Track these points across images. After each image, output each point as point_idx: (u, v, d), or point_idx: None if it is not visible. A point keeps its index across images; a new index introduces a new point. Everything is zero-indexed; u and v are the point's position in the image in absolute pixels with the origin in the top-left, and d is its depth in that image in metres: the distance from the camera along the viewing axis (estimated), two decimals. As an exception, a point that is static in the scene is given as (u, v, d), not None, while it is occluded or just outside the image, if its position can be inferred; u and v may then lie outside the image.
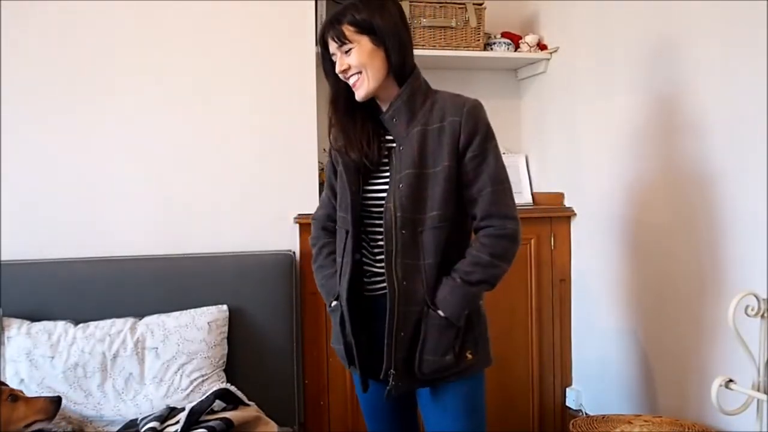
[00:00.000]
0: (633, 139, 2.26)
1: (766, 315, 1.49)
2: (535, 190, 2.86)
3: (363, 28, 1.46)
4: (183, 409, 1.85)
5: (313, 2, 2.43)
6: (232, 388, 2.02)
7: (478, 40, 2.67)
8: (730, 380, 1.49)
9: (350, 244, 1.51)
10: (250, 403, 2.01)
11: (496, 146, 1.51)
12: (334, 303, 1.58)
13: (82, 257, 2.22)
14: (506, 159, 2.88)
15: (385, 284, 1.48)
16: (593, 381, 2.57)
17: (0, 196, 2.21)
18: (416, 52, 1.69)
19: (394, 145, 1.50)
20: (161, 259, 2.24)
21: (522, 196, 2.84)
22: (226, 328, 2.16)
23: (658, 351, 2.18)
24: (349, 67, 1.47)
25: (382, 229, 1.47)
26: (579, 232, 2.62)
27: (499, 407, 2.60)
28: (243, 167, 2.38)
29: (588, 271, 2.57)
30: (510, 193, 1.50)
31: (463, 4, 2.63)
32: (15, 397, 1.72)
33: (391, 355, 1.46)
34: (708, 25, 1.91)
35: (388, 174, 1.50)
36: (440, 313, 1.44)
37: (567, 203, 2.67)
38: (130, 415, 1.98)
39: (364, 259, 1.54)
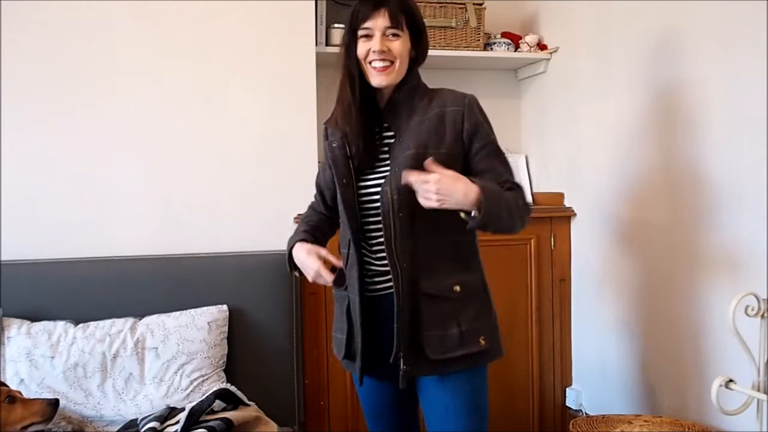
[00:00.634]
0: (633, 139, 2.26)
1: (766, 315, 1.49)
2: (535, 190, 2.86)
3: (412, 23, 1.48)
4: (183, 409, 1.85)
5: (313, 2, 2.43)
6: (232, 388, 2.02)
7: (478, 40, 2.67)
8: (730, 380, 1.49)
9: (353, 238, 1.51)
10: (250, 403, 2.01)
11: (495, 136, 1.55)
12: (339, 291, 1.59)
13: (82, 257, 2.22)
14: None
15: (387, 284, 1.48)
16: (593, 381, 2.57)
17: (0, 196, 2.21)
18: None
19: (393, 140, 1.51)
20: (161, 259, 2.24)
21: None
22: (226, 328, 2.16)
23: (658, 351, 2.18)
24: (388, 51, 1.45)
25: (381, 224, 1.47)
26: (579, 232, 2.62)
27: (499, 407, 2.59)
28: (243, 167, 2.38)
29: (588, 271, 2.57)
30: (514, 176, 1.54)
31: (463, 4, 2.63)
32: (12, 398, 1.71)
33: (398, 339, 1.45)
34: (708, 25, 1.91)
35: (387, 168, 1.50)
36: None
37: (567, 203, 2.67)
38: (130, 415, 1.98)
39: (365, 258, 1.54)
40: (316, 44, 2.44)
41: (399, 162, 1.45)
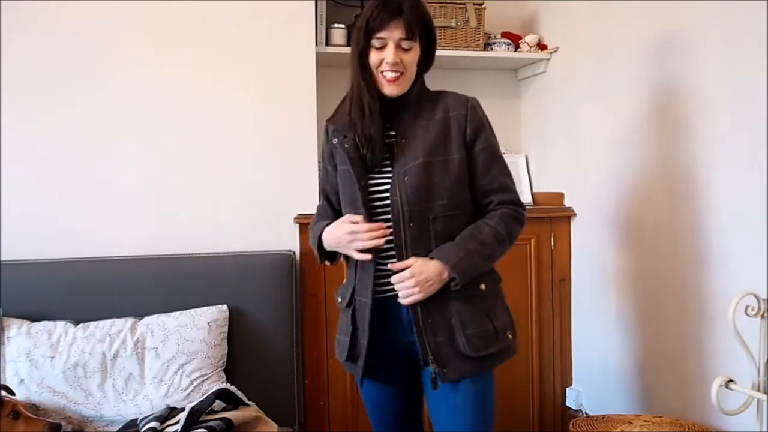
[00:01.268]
0: (633, 139, 2.26)
1: (766, 315, 1.48)
2: (535, 190, 2.86)
3: (426, 33, 1.50)
4: (183, 409, 1.85)
5: (313, 2, 2.43)
6: (232, 388, 2.02)
7: (478, 40, 2.67)
8: (730, 380, 1.49)
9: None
10: (250, 403, 2.02)
11: (496, 138, 1.59)
12: (343, 302, 1.59)
13: (82, 257, 2.22)
14: (506, 159, 2.89)
15: (390, 285, 1.49)
16: (593, 381, 2.57)
17: (0, 196, 2.21)
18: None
19: (394, 140, 1.52)
20: (161, 259, 2.24)
21: (522, 196, 2.81)
22: (226, 328, 2.16)
23: (658, 351, 2.18)
24: (401, 63, 1.47)
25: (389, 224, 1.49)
26: (579, 232, 2.62)
27: (499, 407, 2.58)
28: (243, 167, 2.38)
29: (588, 271, 2.57)
30: (512, 179, 1.59)
31: (463, 4, 2.63)
32: (17, 413, 1.69)
33: (425, 344, 1.47)
34: (708, 25, 1.91)
35: (389, 169, 1.51)
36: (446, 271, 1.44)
37: (567, 203, 2.67)
38: (130, 415, 1.98)
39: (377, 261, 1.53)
40: (316, 44, 2.44)
41: (405, 170, 1.47)
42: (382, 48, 1.47)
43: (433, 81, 1.63)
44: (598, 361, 2.52)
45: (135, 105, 2.30)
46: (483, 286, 1.52)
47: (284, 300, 2.27)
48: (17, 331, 2.03)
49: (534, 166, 2.89)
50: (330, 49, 2.50)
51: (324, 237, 1.58)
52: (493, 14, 2.79)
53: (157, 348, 2.05)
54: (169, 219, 2.33)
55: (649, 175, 2.19)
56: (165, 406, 1.96)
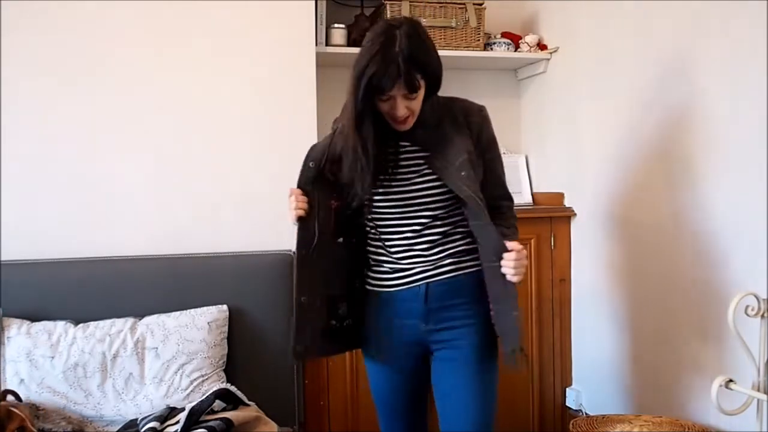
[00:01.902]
0: (633, 139, 2.26)
1: (766, 315, 1.49)
2: (535, 190, 2.86)
3: (426, 75, 1.48)
4: (183, 409, 1.85)
5: (313, 2, 2.43)
6: (232, 388, 2.02)
7: (478, 40, 2.67)
8: (730, 380, 1.49)
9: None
10: (250, 403, 2.01)
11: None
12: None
13: (82, 257, 2.22)
14: (506, 159, 2.90)
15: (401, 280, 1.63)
16: (593, 381, 2.57)
17: (0, 196, 2.21)
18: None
19: (417, 152, 1.60)
20: (161, 259, 2.24)
21: (522, 196, 2.84)
22: (226, 328, 2.16)
23: (658, 351, 2.18)
24: (408, 109, 1.50)
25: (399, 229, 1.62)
26: (579, 232, 2.62)
27: (499, 407, 2.59)
28: (243, 167, 2.37)
29: (588, 271, 2.57)
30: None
31: (463, 4, 2.63)
32: (23, 429, 1.68)
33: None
34: (708, 25, 1.91)
35: (409, 178, 1.59)
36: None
37: (567, 203, 2.67)
38: (130, 415, 1.98)
39: (383, 257, 1.66)
40: (316, 44, 2.44)
41: (459, 166, 1.54)
42: (388, 100, 1.48)
43: (434, 81, 1.63)
44: (598, 361, 2.52)
45: (135, 105, 2.30)
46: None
47: (284, 300, 2.26)
48: (17, 331, 2.03)
49: (534, 166, 2.89)
50: (330, 49, 2.50)
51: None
52: (493, 14, 2.79)
53: (157, 348, 2.05)
54: (169, 219, 2.32)
55: (649, 175, 2.19)
56: (165, 406, 1.96)
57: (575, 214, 2.62)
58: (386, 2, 2.54)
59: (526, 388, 2.63)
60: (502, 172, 1.71)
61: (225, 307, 2.17)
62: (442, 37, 2.62)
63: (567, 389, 2.69)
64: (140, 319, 2.11)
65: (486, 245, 1.57)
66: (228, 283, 2.22)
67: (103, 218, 2.28)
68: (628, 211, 2.31)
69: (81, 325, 2.07)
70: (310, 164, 1.64)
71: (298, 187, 1.63)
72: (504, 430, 2.57)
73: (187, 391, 2.02)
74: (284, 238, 2.38)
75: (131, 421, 1.94)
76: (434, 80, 1.52)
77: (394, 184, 1.59)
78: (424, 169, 1.59)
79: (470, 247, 1.63)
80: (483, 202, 1.54)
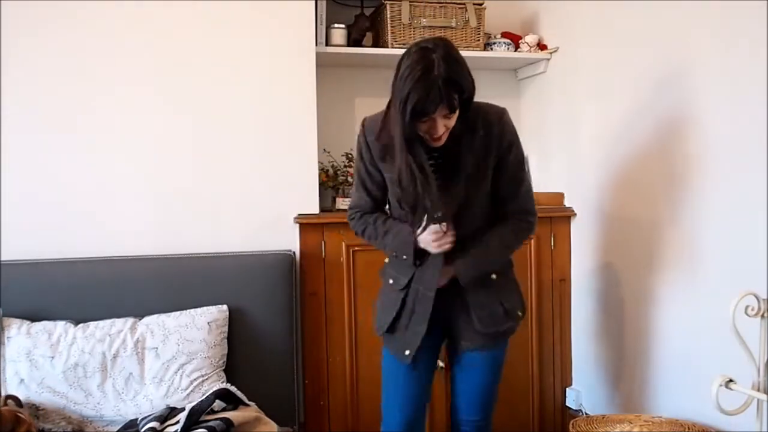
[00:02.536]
0: (633, 139, 2.26)
1: (766, 315, 1.48)
2: (535, 190, 2.84)
3: (459, 94, 1.53)
4: (183, 409, 1.85)
5: (313, 2, 2.43)
6: (232, 388, 2.02)
7: (478, 40, 2.67)
8: (730, 380, 1.49)
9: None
10: (250, 403, 2.01)
11: (525, 157, 1.80)
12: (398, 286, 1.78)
13: (82, 257, 2.22)
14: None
15: None
16: (593, 381, 2.57)
17: (0, 196, 2.21)
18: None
19: (442, 160, 1.65)
20: (161, 259, 2.24)
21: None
22: (226, 328, 2.16)
23: (658, 351, 2.18)
24: (446, 128, 1.56)
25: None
26: (579, 232, 2.62)
27: (499, 407, 2.58)
28: (243, 167, 2.38)
29: (588, 271, 2.57)
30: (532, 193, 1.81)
31: (463, 4, 2.63)
32: None
33: (448, 321, 1.82)
34: (708, 24, 1.91)
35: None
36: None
37: (567, 203, 2.67)
38: (130, 415, 1.98)
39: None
40: (316, 44, 2.44)
41: (460, 183, 1.65)
42: (427, 121, 1.54)
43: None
44: (599, 361, 2.52)
45: (135, 105, 2.30)
46: (494, 276, 1.76)
47: (284, 300, 2.27)
48: (17, 331, 2.03)
49: (534, 166, 2.88)
50: (330, 49, 2.50)
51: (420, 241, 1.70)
52: (493, 14, 2.79)
53: (157, 348, 2.05)
54: (169, 219, 2.33)
55: (648, 175, 2.19)
56: (165, 406, 1.96)
57: (575, 214, 2.62)
58: (386, 2, 2.54)
59: (526, 388, 2.63)
60: (521, 177, 1.74)
61: (225, 307, 2.17)
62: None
63: (567, 389, 2.69)
64: (140, 319, 2.11)
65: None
66: (228, 283, 2.22)
67: (103, 218, 2.28)
68: (628, 211, 2.31)
69: (81, 325, 2.07)
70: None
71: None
72: (504, 430, 2.58)
73: (187, 391, 2.02)
74: (284, 238, 2.39)
75: (131, 421, 1.94)
76: (469, 98, 1.58)
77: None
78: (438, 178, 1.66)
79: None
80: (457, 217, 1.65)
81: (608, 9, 2.37)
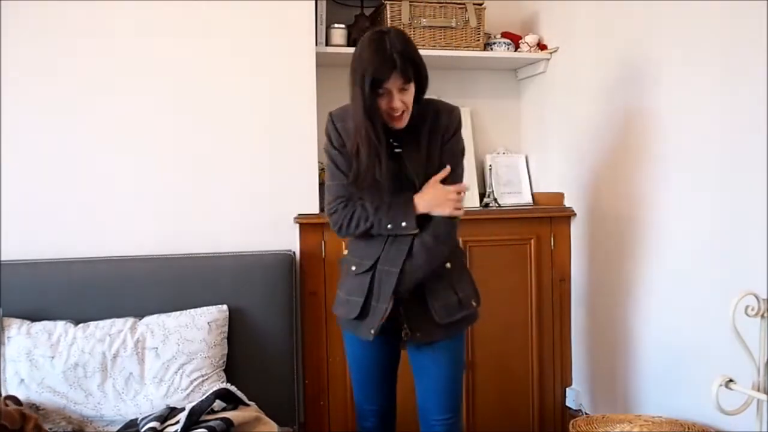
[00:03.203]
0: (633, 139, 2.26)
1: (766, 315, 1.49)
2: (535, 190, 2.86)
3: (416, 69, 1.64)
4: (183, 409, 1.85)
5: (313, 2, 2.43)
6: (232, 388, 2.02)
7: (478, 40, 2.67)
8: (730, 380, 1.49)
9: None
10: (250, 403, 2.01)
11: (463, 149, 1.81)
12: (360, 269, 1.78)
13: (82, 257, 2.22)
14: (506, 159, 2.89)
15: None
16: (593, 381, 2.57)
17: (0, 196, 2.21)
18: (417, 52, 1.75)
19: (401, 150, 1.73)
20: (161, 259, 2.24)
21: (522, 196, 2.84)
22: (226, 328, 2.16)
23: (658, 351, 2.18)
24: (403, 103, 1.64)
25: None
26: (579, 232, 2.62)
27: (499, 407, 2.60)
28: (243, 167, 2.38)
29: (588, 271, 2.57)
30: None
31: (463, 4, 2.63)
32: (39, 428, 1.68)
33: (404, 312, 1.78)
34: (708, 24, 1.91)
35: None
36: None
37: (567, 203, 2.67)
38: (130, 415, 1.98)
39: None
40: (316, 44, 2.44)
41: (419, 176, 1.72)
42: (383, 94, 1.64)
43: (434, 81, 1.65)
44: (599, 361, 2.52)
45: (135, 105, 2.30)
46: (448, 265, 1.78)
47: (284, 300, 2.27)
48: (17, 331, 2.03)
49: (534, 166, 2.89)
50: (330, 49, 2.50)
51: (417, 201, 1.72)
52: (493, 14, 2.79)
53: (157, 348, 2.05)
54: (169, 219, 2.33)
55: (648, 175, 2.19)
56: (165, 406, 1.96)
57: (575, 214, 2.62)
58: (386, 2, 2.54)
59: (526, 388, 2.63)
60: (453, 162, 1.75)
61: (225, 307, 2.17)
62: (442, 37, 2.62)
63: (567, 389, 2.69)
64: (140, 319, 2.11)
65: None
66: (228, 283, 2.22)
67: (103, 218, 2.28)
68: (627, 211, 2.31)
69: (81, 325, 2.07)
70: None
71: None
72: (504, 430, 2.58)
73: (187, 391, 2.02)
74: (284, 238, 2.39)
75: (131, 421, 1.94)
76: (422, 79, 1.67)
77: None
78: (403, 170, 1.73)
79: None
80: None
81: (608, 9, 2.37)
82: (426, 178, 1.73)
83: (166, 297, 2.17)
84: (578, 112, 2.57)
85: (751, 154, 1.77)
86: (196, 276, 2.22)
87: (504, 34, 2.76)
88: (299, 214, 2.39)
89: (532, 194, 2.85)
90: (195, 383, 2.04)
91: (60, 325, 2.05)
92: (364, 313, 1.76)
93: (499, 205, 2.75)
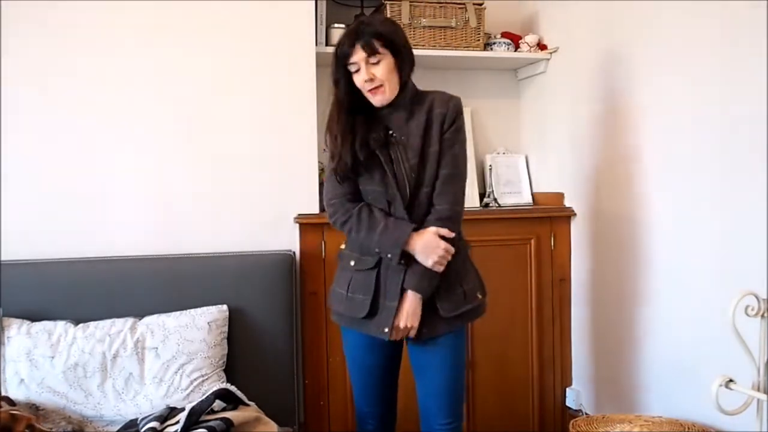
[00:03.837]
0: (633, 139, 2.26)
1: (766, 315, 1.48)
2: (535, 190, 2.86)
3: (387, 43, 1.68)
4: (183, 409, 1.85)
5: (313, 2, 2.43)
6: (232, 388, 2.02)
7: (478, 40, 2.67)
8: (730, 380, 1.49)
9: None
10: (250, 403, 2.01)
11: (464, 140, 1.78)
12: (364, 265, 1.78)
13: (82, 257, 2.22)
14: (506, 159, 2.88)
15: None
16: (593, 381, 2.57)
17: (0, 196, 2.21)
18: (416, 52, 1.81)
19: (394, 139, 1.74)
20: (161, 259, 2.24)
21: (522, 196, 2.84)
22: (226, 328, 2.16)
23: (658, 351, 2.18)
24: (374, 78, 1.68)
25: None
26: (579, 232, 2.62)
27: (499, 407, 2.60)
28: (243, 167, 2.38)
29: (588, 271, 2.57)
30: (460, 181, 1.77)
31: (463, 4, 2.63)
32: (32, 427, 1.68)
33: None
34: (708, 24, 1.91)
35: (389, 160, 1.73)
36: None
37: (567, 203, 2.67)
38: (130, 415, 1.98)
39: None
40: (316, 44, 2.44)
41: (412, 166, 1.72)
42: (356, 71, 1.70)
43: (434, 81, 1.66)
44: (599, 361, 2.52)
45: (135, 105, 2.30)
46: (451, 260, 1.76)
47: (284, 300, 2.27)
48: (17, 331, 2.03)
49: (534, 166, 2.89)
50: (330, 49, 2.48)
51: (415, 241, 1.72)
52: (493, 14, 2.79)
53: (157, 348, 2.05)
54: (169, 219, 2.33)
55: (648, 175, 2.19)
56: (165, 406, 1.96)
57: (575, 214, 2.62)
58: (386, 2, 2.54)
59: (526, 388, 2.63)
60: (452, 162, 1.74)
61: (225, 307, 2.17)
62: (442, 37, 2.62)
63: (567, 389, 2.69)
64: (140, 319, 2.11)
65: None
66: (228, 283, 2.22)
67: (103, 218, 2.28)
68: (627, 211, 2.31)
69: (81, 325, 2.07)
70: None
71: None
72: (504, 430, 2.58)
73: (187, 391, 2.02)
74: (284, 238, 2.39)
75: (131, 421, 1.94)
76: (399, 54, 1.69)
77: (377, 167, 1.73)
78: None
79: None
80: (408, 199, 1.72)
81: (608, 9, 2.37)
82: (421, 167, 1.71)
83: (166, 297, 2.17)
84: (578, 112, 2.57)
85: (751, 154, 1.77)
86: (196, 276, 2.22)
87: (504, 34, 2.76)
88: (299, 214, 2.39)
89: (532, 194, 2.85)
90: (195, 383, 2.04)
91: (60, 325, 2.05)
92: (373, 312, 1.76)
93: (499, 205, 2.75)
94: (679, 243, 2.06)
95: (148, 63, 2.30)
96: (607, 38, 2.38)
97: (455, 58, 2.66)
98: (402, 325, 1.72)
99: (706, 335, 1.95)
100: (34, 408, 1.94)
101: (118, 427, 1.92)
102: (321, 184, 2.50)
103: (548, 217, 2.64)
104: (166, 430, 1.81)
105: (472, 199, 2.71)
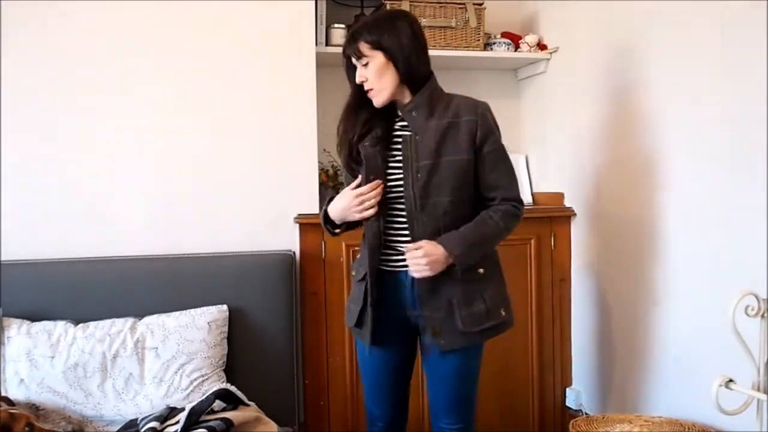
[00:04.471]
0: (633, 139, 2.26)
1: (766, 315, 1.48)
2: (535, 190, 2.86)
3: (375, 45, 1.66)
4: (183, 409, 1.85)
5: (313, 2, 2.43)
6: (232, 388, 2.02)
7: (478, 40, 2.67)
8: (730, 380, 1.49)
9: (377, 226, 1.71)
10: (250, 403, 2.01)
11: (502, 140, 1.75)
12: (358, 276, 1.79)
13: (82, 257, 2.22)
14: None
15: (397, 262, 1.72)
16: (593, 381, 2.57)
17: (0, 196, 2.21)
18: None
19: (409, 133, 1.69)
20: (161, 259, 2.24)
21: (522, 196, 2.83)
22: (226, 328, 2.16)
23: (658, 351, 2.18)
24: (366, 79, 1.68)
25: (402, 212, 1.70)
26: (579, 232, 2.62)
27: (499, 407, 2.60)
28: (243, 167, 2.38)
29: (588, 271, 2.57)
30: (516, 179, 1.78)
31: (463, 4, 2.63)
32: (31, 425, 1.68)
33: (427, 318, 1.70)
34: (708, 24, 1.91)
35: (400, 161, 1.69)
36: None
37: (567, 203, 2.67)
38: (130, 415, 1.98)
39: (387, 238, 1.73)
40: (316, 44, 2.44)
41: (419, 166, 1.66)
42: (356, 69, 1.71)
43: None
44: (599, 361, 2.52)
45: (135, 105, 2.30)
46: (481, 270, 1.72)
47: (284, 300, 2.27)
48: (17, 331, 2.03)
49: (534, 166, 2.89)
50: (330, 49, 2.50)
51: (330, 209, 1.76)
52: (493, 14, 2.79)
53: (157, 348, 2.05)
54: (169, 219, 2.33)
55: (649, 175, 2.19)
56: (165, 406, 1.96)
57: (575, 214, 2.62)
58: (386, 2, 2.54)
59: (526, 388, 2.63)
60: (503, 165, 1.73)
61: (225, 307, 2.17)
62: (442, 37, 2.62)
63: (567, 389, 2.69)
64: (140, 319, 2.11)
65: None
66: (228, 283, 2.22)
67: (103, 218, 2.28)
68: (627, 211, 2.31)
69: (81, 325, 2.07)
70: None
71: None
72: (504, 430, 2.58)
73: (187, 391, 2.02)
74: (284, 238, 2.39)
75: (131, 421, 1.94)
76: (389, 48, 1.65)
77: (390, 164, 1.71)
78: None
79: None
80: (419, 206, 1.66)
81: (608, 9, 2.37)
82: (433, 168, 1.65)
83: (166, 297, 2.17)
84: (578, 111, 2.57)
85: (751, 154, 1.77)
86: (196, 276, 2.22)
87: (504, 34, 2.76)
88: (299, 214, 2.39)
89: (532, 194, 2.85)
90: (195, 383, 2.04)
91: (60, 325, 2.05)
92: (360, 322, 1.77)
93: (499, 205, 2.74)
94: (679, 242, 2.06)
95: (148, 63, 2.30)
96: (607, 38, 2.38)
97: (455, 58, 2.66)
98: (415, 251, 1.63)
99: (706, 335, 1.95)
100: (34, 408, 1.94)
101: (118, 427, 1.92)
102: (321, 184, 2.51)
103: (548, 217, 2.64)
104: (166, 430, 1.81)
105: (472, 199, 2.71)
